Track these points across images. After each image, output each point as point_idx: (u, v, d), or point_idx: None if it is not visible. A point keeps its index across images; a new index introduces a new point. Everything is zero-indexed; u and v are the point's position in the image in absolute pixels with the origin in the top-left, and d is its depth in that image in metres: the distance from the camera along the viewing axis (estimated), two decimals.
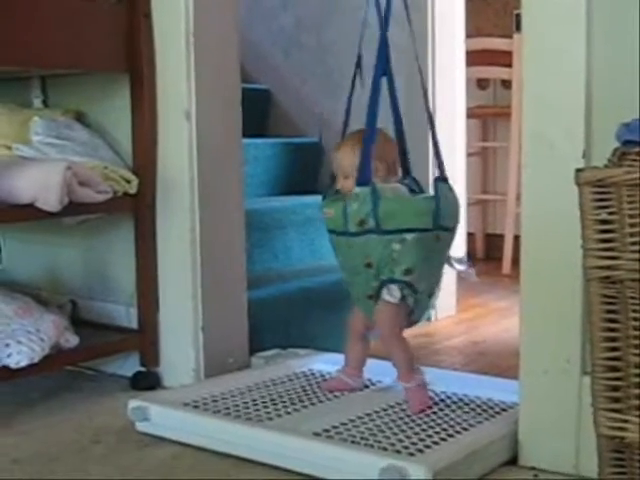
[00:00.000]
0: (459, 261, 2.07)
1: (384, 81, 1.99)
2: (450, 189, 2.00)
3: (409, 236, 1.91)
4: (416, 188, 2.07)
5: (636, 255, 1.30)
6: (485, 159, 4.71)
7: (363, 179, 1.92)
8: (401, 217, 1.91)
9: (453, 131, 3.25)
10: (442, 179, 2.00)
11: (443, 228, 1.96)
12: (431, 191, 1.99)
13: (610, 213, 1.31)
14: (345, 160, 2.00)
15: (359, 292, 2.00)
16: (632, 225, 1.30)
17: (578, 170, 1.35)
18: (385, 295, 1.95)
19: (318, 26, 3.67)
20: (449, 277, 3.16)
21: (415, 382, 1.98)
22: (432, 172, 3.10)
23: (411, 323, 2.03)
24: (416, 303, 1.98)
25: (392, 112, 2.07)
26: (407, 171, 2.10)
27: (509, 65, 4.06)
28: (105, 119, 2.48)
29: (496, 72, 4.32)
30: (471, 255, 3.99)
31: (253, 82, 3.77)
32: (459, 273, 2.11)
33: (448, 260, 2.04)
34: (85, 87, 2.50)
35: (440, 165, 2.03)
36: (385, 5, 1.98)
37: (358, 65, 2.06)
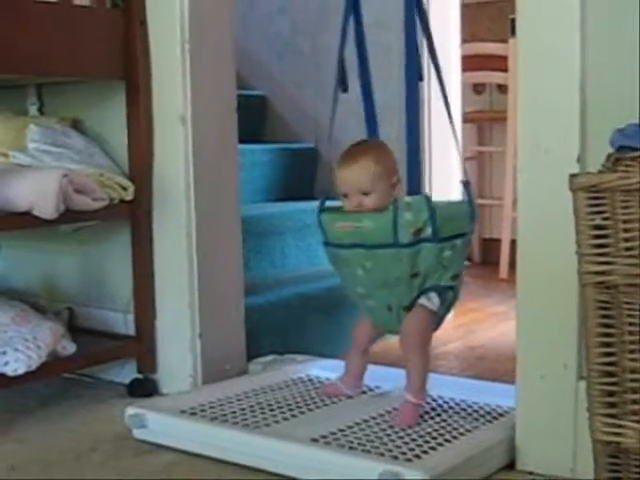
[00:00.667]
0: None
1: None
2: (472, 191, 2.01)
3: (459, 241, 1.91)
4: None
5: (630, 260, 1.31)
6: (481, 163, 4.72)
7: (414, 188, 1.90)
8: (453, 223, 1.91)
9: (449, 136, 3.25)
10: (467, 182, 1.99)
11: (473, 231, 1.98)
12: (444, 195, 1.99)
13: (604, 218, 1.32)
14: (361, 174, 1.92)
15: (391, 305, 1.94)
16: (626, 230, 1.30)
17: (572, 176, 1.35)
18: (423, 301, 1.92)
19: (313, 31, 3.68)
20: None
21: (419, 400, 1.94)
22: (428, 176, 3.13)
23: (435, 329, 2.01)
24: (445, 310, 1.98)
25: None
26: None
27: (505, 70, 4.06)
28: (101, 126, 2.48)
29: (492, 77, 4.33)
30: (468, 261, 3.99)
31: (249, 88, 3.77)
32: None
33: None
34: (81, 94, 2.50)
35: (464, 168, 2.06)
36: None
37: (341, 69, 2.03)
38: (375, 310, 1.99)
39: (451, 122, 2.02)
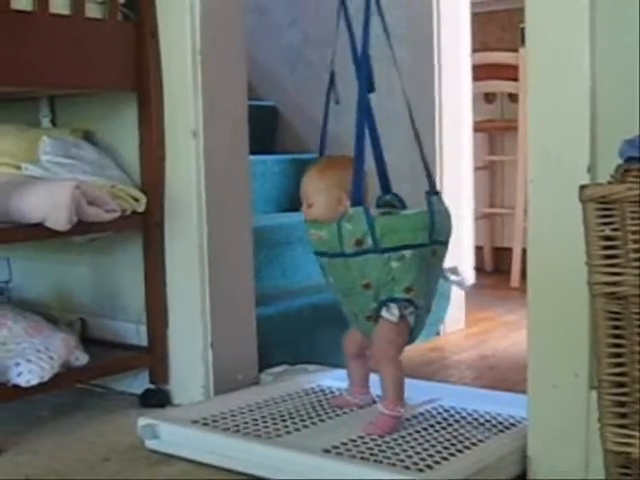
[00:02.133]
0: (452, 271, 2.06)
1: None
2: (442, 202, 1.97)
3: (407, 253, 1.88)
4: (398, 204, 2.05)
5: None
6: (493, 173, 4.72)
7: (356, 199, 1.89)
8: (398, 234, 1.88)
9: (460, 145, 3.26)
10: (434, 192, 1.97)
11: (438, 242, 1.94)
12: (421, 206, 1.96)
13: (614, 229, 1.32)
14: (309, 186, 1.98)
15: (357, 313, 1.98)
16: (635, 241, 1.30)
17: (582, 187, 1.35)
18: (384, 313, 1.92)
19: (324, 42, 3.68)
20: (458, 291, 3.16)
21: (393, 412, 1.93)
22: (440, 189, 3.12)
23: (409, 341, 1.99)
24: (416, 320, 1.96)
25: (369, 132, 2.03)
26: (387, 189, 2.08)
27: (515, 79, 4.06)
28: (113, 138, 2.49)
29: (502, 86, 4.33)
30: (479, 270, 3.99)
31: (260, 99, 3.78)
32: (453, 283, 2.11)
33: (442, 272, 2.02)
34: (93, 106, 2.52)
35: (430, 178, 2.00)
36: (364, 22, 1.96)
37: (331, 81, 2.06)
38: (350, 317, 2.03)
39: (415, 132, 2.01)
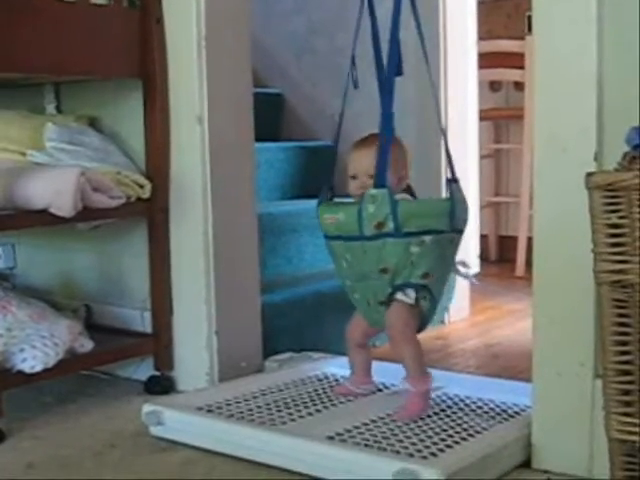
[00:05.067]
0: (462, 264, 2.06)
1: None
2: (461, 190, 1.98)
3: (427, 238, 1.88)
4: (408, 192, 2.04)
5: None
6: (498, 161, 4.71)
7: (380, 181, 1.88)
8: (420, 218, 1.88)
9: (465, 133, 3.25)
10: (454, 180, 1.98)
11: (457, 230, 1.95)
12: (443, 193, 1.97)
13: (620, 217, 1.31)
14: (371, 158, 1.92)
15: (369, 298, 1.97)
16: None
17: (588, 174, 1.34)
18: (399, 295, 1.92)
19: (330, 30, 3.68)
20: (463, 280, 3.16)
21: (422, 387, 1.94)
22: (445, 175, 3.12)
23: (421, 328, 2.00)
24: (428, 307, 1.96)
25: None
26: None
27: (521, 67, 4.05)
28: (118, 124, 2.49)
29: (508, 74, 4.31)
30: (484, 259, 3.99)
31: (265, 86, 3.77)
32: (462, 276, 2.10)
33: (454, 263, 2.02)
34: (98, 93, 2.51)
35: (451, 167, 2.01)
36: (394, 3, 1.94)
37: (353, 64, 2.03)
38: (360, 304, 2.02)
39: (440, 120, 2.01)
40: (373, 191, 1.88)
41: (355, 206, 1.92)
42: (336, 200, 2.04)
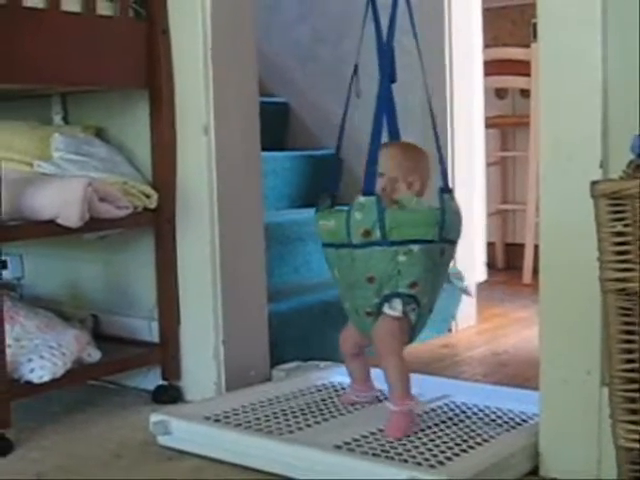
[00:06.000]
0: (457, 276, 2.04)
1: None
2: (454, 200, 1.96)
3: (415, 247, 1.86)
4: None
5: None
6: (505, 168, 4.71)
7: (368, 189, 1.87)
8: (408, 227, 1.86)
9: (472, 141, 3.26)
10: (446, 190, 1.96)
11: (447, 241, 1.92)
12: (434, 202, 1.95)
13: (625, 225, 1.31)
14: (385, 161, 1.94)
15: (357, 308, 1.95)
16: None
17: (593, 182, 1.34)
18: (386, 309, 1.90)
19: (335, 38, 3.68)
20: (470, 287, 3.16)
21: (404, 407, 1.91)
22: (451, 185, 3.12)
23: (409, 340, 1.97)
24: (417, 318, 1.94)
25: (389, 123, 2.05)
26: None
27: (527, 74, 4.05)
28: (124, 134, 2.49)
29: (514, 81, 4.32)
30: (491, 266, 3.98)
31: (271, 95, 3.78)
32: (458, 288, 2.09)
33: (448, 276, 2.00)
34: (105, 103, 2.52)
35: (444, 176, 1.99)
36: (391, 12, 1.94)
37: (355, 73, 2.04)
38: (350, 313, 2.01)
39: (434, 126, 2.01)
40: (362, 199, 1.87)
41: (343, 213, 1.90)
42: (337, 208, 2.03)
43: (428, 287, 1.92)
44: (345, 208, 1.99)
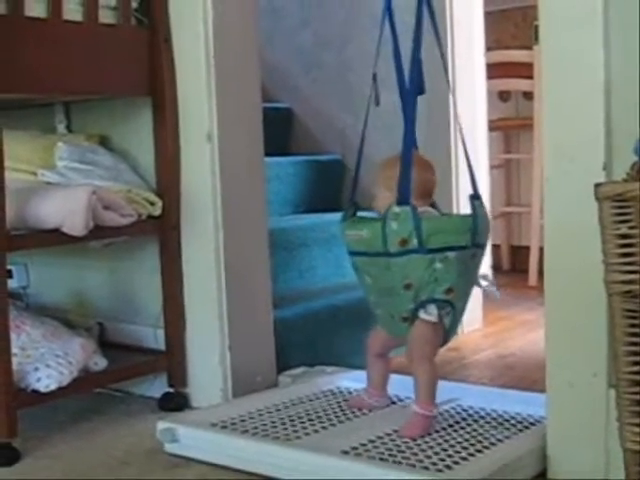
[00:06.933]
0: (485, 278, 2.06)
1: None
2: (483, 206, 1.99)
3: (451, 254, 1.89)
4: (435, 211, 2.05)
5: None
6: (509, 171, 4.70)
7: (403, 199, 1.89)
8: (444, 235, 1.89)
9: (475, 144, 3.25)
10: (477, 197, 1.99)
11: (478, 245, 1.96)
12: (453, 206, 1.97)
13: (630, 227, 1.31)
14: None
15: (393, 314, 1.97)
16: None
17: (597, 185, 1.34)
18: (422, 314, 1.93)
19: (338, 43, 3.69)
20: (476, 290, 3.16)
21: (427, 411, 1.94)
22: (455, 190, 3.12)
23: (443, 343, 2.01)
24: (451, 323, 1.97)
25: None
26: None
27: (530, 77, 4.05)
28: (128, 143, 2.50)
29: (517, 84, 4.32)
30: (497, 269, 3.98)
31: (274, 101, 3.78)
32: (485, 291, 2.10)
33: (477, 278, 2.02)
34: (108, 111, 2.53)
35: (474, 183, 2.02)
36: (416, 20, 1.95)
37: (374, 82, 2.05)
38: (383, 318, 2.03)
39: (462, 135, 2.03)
40: (396, 208, 1.89)
41: (378, 223, 1.92)
42: (359, 215, 2.05)
43: (461, 292, 1.95)
44: (368, 215, 2.00)
